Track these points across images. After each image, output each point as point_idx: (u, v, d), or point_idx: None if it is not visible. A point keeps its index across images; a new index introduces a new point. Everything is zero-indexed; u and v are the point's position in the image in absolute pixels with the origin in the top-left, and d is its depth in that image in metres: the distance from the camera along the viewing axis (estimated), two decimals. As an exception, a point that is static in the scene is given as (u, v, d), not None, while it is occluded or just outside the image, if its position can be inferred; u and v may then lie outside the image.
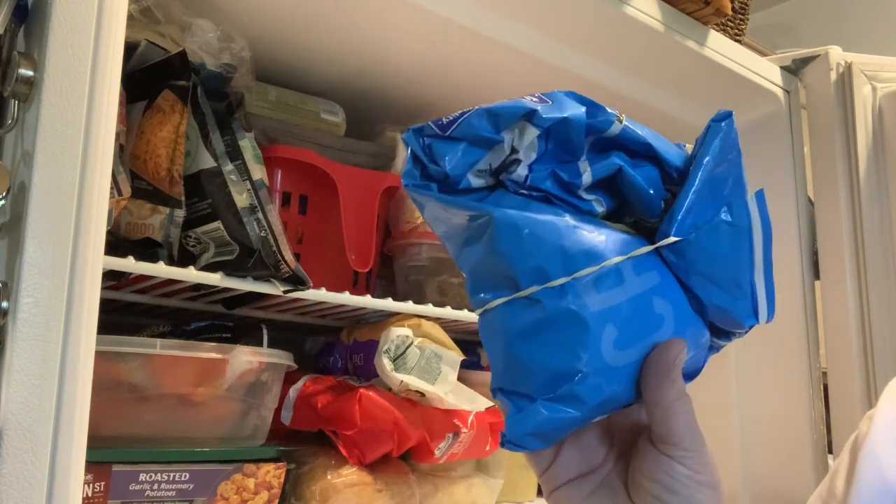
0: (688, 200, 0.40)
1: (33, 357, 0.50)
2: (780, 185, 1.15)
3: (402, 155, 1.01)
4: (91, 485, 0.67)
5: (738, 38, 1.09)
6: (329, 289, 0.85)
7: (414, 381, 0.86)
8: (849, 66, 1.13)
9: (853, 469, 0.57)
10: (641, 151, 0.42)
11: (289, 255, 0.78)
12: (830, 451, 1.10)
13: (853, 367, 1.07)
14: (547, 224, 0.40)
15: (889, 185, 1.11)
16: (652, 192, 0.41)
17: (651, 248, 0.41)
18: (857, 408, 1.05)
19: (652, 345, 0.40)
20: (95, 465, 0.67)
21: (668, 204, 0.42)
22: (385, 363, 0.86)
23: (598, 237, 0.40)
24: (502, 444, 0.40)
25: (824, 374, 1.11)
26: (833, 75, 1.14)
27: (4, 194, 0.53)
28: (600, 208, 0.42)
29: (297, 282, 0.81)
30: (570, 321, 0.39)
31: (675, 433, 0.40)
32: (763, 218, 0.43)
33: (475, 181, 0.41)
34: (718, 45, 1.03)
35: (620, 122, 0.41)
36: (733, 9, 1.05)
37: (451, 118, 0.40)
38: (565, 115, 0.40)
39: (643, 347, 0.40)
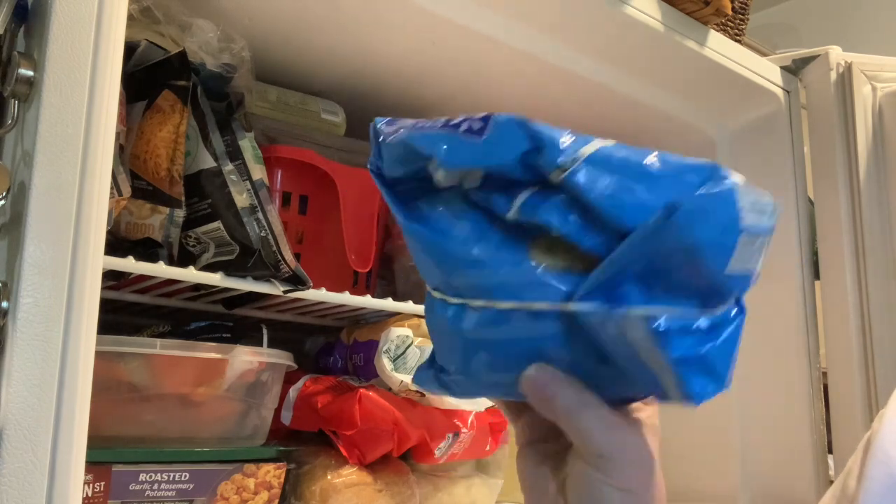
0: (608, 272, 0.35)
1: (33, 357, 0.50)
2: (780, 185, 1.15)
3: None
4: (91, 485, 0.67)
5: (738, 38, 1.09)
6: (329, 289, 0.85)
7: (414, 381, 0.86)
8: (849, 66, 1.13)
9: (864, 466, 0.57)
10: (587, 212, 0.37)
11: (289, 255, 0.78)
12: (830, 451, 1.10)
13: (853, 367, 1.07)
14: (446, 250, 0.39)
15: (889, 185, 1.11)
16: (572, 231, 0.37)
17: (553, 307, 0.36)
18: (857, 408, 1.05)
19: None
20: (95, 465, 0.67)
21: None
22: (385, 363, 0.86)
23: (503, 275, 0.37)
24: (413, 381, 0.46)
25: (824, 374, 1.11)
26: (833, 75, 1.14)
27: (4, 194, 0.53)
28: (557, 232, 0.37)
29: (297, 282, 0.81)
30: (451, 330, 0.40)
31: (583, 443, 0.38)
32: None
33: (442, 182, 0.39)
34: (718, 45, 1.03)
35: (562, 172, 0.36)
36: (733, 9, 1.05)
37: (395, 129, 0.41)
38: (486, 164, 0.37)
39: (518, 375, 0.39)
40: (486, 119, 0.37)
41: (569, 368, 0.38)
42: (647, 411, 0.41)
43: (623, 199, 0.35)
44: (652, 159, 0.37)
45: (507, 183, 0.37)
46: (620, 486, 0.38)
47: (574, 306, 0.36)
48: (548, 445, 0.44)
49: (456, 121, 0.38)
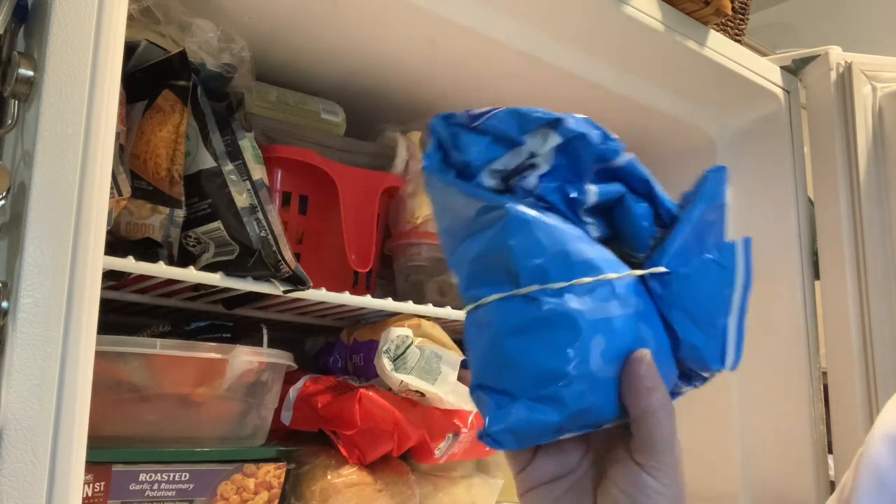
0: (680, 237, 0.42)
1: (33, 357, 0.50)
2: (780, 185, 1.15)
3: (402, 155, 1.01)
4: (91, 485, 0.67)
5: (738, 38, 1.09)
6: (329, 289, 0.85)
7: (414, 381, 0.86)
8: (849, 66, 1.13)
9: (856, 474, 0.57)
10: (640, 188, 0.43)
11: (289, 255, 0.78)
12: (830, 451, 1.10)
13: (853, 367, 1.07)
14: (555, 228, 0.41)
15: (889, 185, 1.11)
16: (646, 225, 0.43)
17: (643, 272, 0.42)
18: (857, 408, 1.05)
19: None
20: (95, 465, 0.67)
21: (657, 242, 0.43)
22: (385, 363, 0.86)
23: (600, 252, 0.41)
24: (480, 438, 0.41)
25: (824, 374, 1.11)
26: (833, 75, 1.14)
27: (4, 194, 0.53)
28: (595, 233, 0.43)
29: (297, 282, 0.81)
30: (564, 323, 0.39)
31: (655, 444, 0.41)
32: (747, 264, 0.44)
33: (487, 180, 0.42)
34: (718, 45, 1.03)
35: (628, 154, 0.43)
36: (733, 9, 1.05)
37: (481, 111, 0.41)
38: (584, 131, 0.41)
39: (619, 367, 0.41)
40: (565, 114, 0.42)
41: (655, 345, 0.41)
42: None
43: (658, 185, 0.43)
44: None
45: (574, 172, 0.42)
46: (667, 489, 0.41)
47: (663, 269, 0.42)
48: (555, 485, 0.45)
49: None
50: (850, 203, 1.10)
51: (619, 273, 0.41)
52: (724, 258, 0.44)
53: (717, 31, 1.04)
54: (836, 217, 1.11)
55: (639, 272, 0.42)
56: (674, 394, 0.45)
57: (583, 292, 0.40)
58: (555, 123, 0.41)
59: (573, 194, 0.42)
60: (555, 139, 0.41)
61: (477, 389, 0.42)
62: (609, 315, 0.40)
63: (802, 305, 1.11)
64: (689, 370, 0.44)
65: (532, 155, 0.41)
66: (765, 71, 1.11)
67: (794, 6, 2.17)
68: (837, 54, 1.15)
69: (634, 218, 0.43)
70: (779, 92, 1.14)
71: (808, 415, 1.09)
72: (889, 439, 0.56)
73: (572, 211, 0.42)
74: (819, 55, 1.16)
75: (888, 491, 0.55)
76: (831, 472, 1.09)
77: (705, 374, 0.45)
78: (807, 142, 1.17)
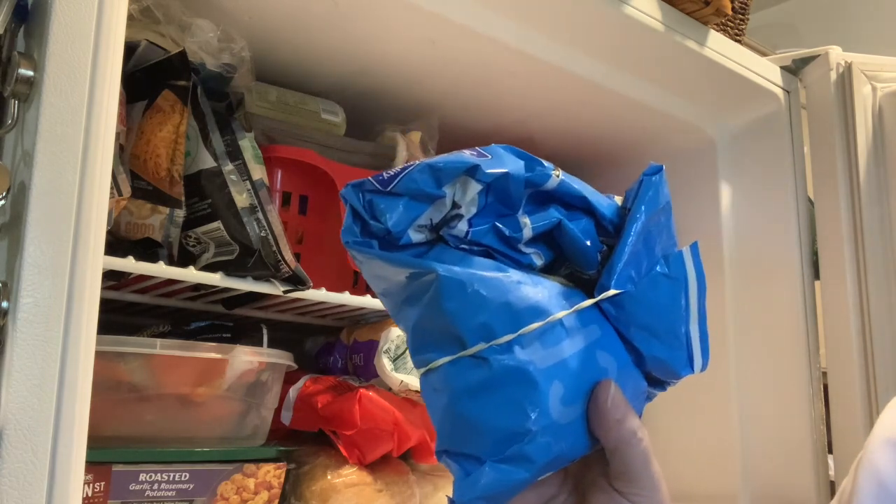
0: (626, 253, 0.41)
1: (33, 357, 0.50)
2: (780, 185, 1.15)
3: (402, 155, 1.01)
4: (91, 485, 0.67)
5: (738, 38, 1.09)
6: (329, 289, 0.85)
7: (414, 381, 0.86)
8: (849, 66, 1.13)
9: (855, 479, 0.57)
10: (577, 204, 0.42)
11: (289, 255, 0.78)
12: (830, 451, 1.10)
13: (853, 367, 1.07)
14: (492, 280, 0.39)
15: (889, 185, 1.11)
16: (589, 244, 0.42)
17: (593, 301, 0.41)
18: (857, 408, 1.05)
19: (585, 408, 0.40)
20: (95, 465, 0.67)
21: (605, 256, 0.42)
22: (385, 363, 0.86)
23: (542, 292, 0.40)
24: None
25: (824, 374, 1.11)
26: (833, 75, 1.14)
27: (4, 194, 0.53)
28: (539, 261, 0.42)
29: (297, 282, 0.81)
30: (517, 379, 0.38)
31: (631, 472, 0.40)
32: (697, 269, 0.44)
33: (415, 236, 0.40)
34: (718, 45, 1.03)
35: (557, 176, 0.41)
36: (733, 9, 1.05)
37: (392, 173, 0.39)
38: (506, 170, 0.40)
39: (587, 401, 0.40)
40: (483, 149, 0.41)
41: (617, 367, 0.41)
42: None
43: (595, 196, 0.43)
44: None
45: (506, 206, 0.41)
46: None
47: (613, 292, 0.41)
48: None
49: (459, 152, 0.40)
50: (850, 203, 1.10)
51: (567, 309, 0.40)
52: (672, 270, 0.43)
53: (717, 31, 1.04)
54: (836, 217, 1.11)
55: (588, 302, 0.41)
56: (648, 398, 0.45)
57: (532, 340, 0.39)
58: (472, 170, 0.39)
59: (507, 231, 0.41)
60: (475, 187, 0.39)
61: (443, 455, 0.40)
62: (563, 357, 0.39)
63: (802, 305, 1.11)
64: (657, 378, 0.44)
65: (455, 205, 0.40)
66: (765, 71, 1.11)
67: (794, 6, 2.17)
68: (837, 54, 1.15)
69: (574, 239, 0.41)
70: (779, 92, 1.14)
71: (808, 415, 1.09)
72: (889, 443, 0.56)
73: (510, 247, 0.41)
74: (819, 55, 1.16)
75: (888, 494, 0.54)
76: (831, 473, 1.09)
77: (673, 381, 0.45)
78: (807, 142, 1.17)
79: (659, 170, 0.44)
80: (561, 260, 0.43)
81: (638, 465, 0.40)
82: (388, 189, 0.39)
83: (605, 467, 0.42)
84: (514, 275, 0.40)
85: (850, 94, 1.12)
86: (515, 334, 0.38)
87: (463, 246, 0.41)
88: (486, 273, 0.40)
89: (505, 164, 0.40)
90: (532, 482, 0.39)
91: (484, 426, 0.38)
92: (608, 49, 0.98)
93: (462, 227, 0.40)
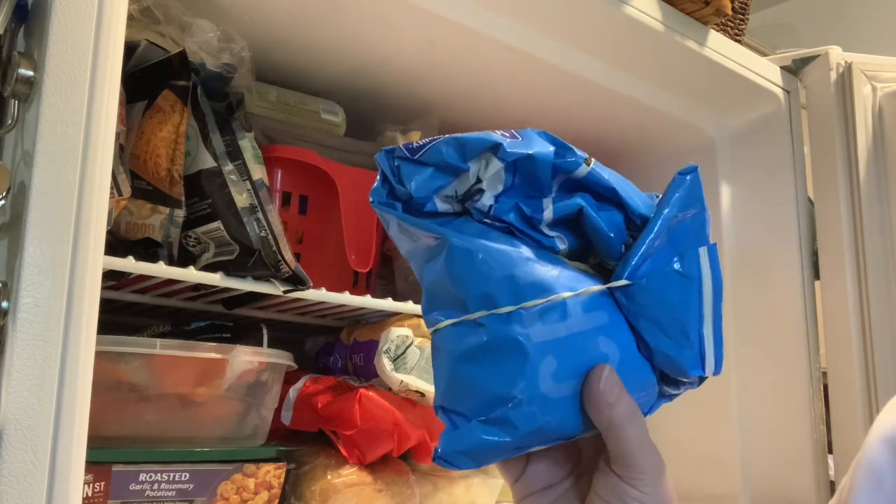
0: (643, 247, 0.42)
1: (33, 357, 0.50)
2: (780, 185, 1.15)
3: (402, 155, 1.01)
4: (91, 485, 0.67)
5: (738, 38, 1.09)
6: (329, 289, 0.85)
7: (414, 381, 0.86)
8: (849, 66, 1.13)
9: (853, 474, 0.58)
10: (607, 195, 0.43)
11: (289, 255, 0.78)
12: (830, 451, 1.10)
13: (853, 367, 1.07)
14: (500, 252, 0.41)
15: (889, 185, 1.11)
16: (612, 235, 0.43)
17: (601, 287, 0.42)
18: (857, 408, 1.05)
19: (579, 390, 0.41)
20: (95, 465, 0.67)
21: (629, 248, 0.43)
22: (385, 363, 0.86)
23: (551, 271, 0.42)
24: (434, 459, 0.41)
25: (824, 374, 1.11)
26: (833, 75, 1.14)
27: (4, 194, 0.53)
28: (562, 245, 0.43)
29: (297, 282, 0.81)
30: (511, 348, 0.40)
31: (626, 455, 0.41)
32: (714, 271, 0.44)
33: (442, 206, 0.43)
34: (718, 45, 1.03)
35: (588, 165, 0.43)
36: (733, 9, 1.05)
37: (422, 143, 0.42)
38: (530, 152, 0.41)
39: (581, 382, 0.41)
40: (516, 132, 0.43)
41: (620, 355, 0.42)
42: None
43: (629, 189, 0.44)
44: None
45: (533, 188, 0.42)
46: (647, 497, 0.41)
47: (622, 282, 0.42)
48: (547, 492, 0.46)
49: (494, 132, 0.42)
50: (850, 203, 1.10)
51: (573, 291, 0.41)
52: (686, 268, 0.43)
53: (717, 31, 1.04)
54: (836, 217, 1.11)
55: (597, 287, 0.42)
56: (664, 396, 0.45)
57: (532, 315, 0.40)
58: (495, 148, 0.41)
59: (528, 212, 0.42)
60: (496, 164, 0.41)
61: (438, 410, 0.43)
62: (560, 335, 0.40)
63: (802, 305, 1.11)
64: (670, 377, 0.45)
65: (479, 180, 0.42)
66: (765, 71, 1.11)
67: (794, 6, 2.17)
68: (837, 54, 1.15)
69: (597, 228, 0.43)
70: (779, 92, 1.14)
71: (808, 415, 1.09)
72: (887, 441, 0.56)
73: (531, 227, 0.43)
74: (819, 55, 1.16)
75: (885, 491, 0.55)
76: (831, 472, 1.09)
77: (688, 380, 0.45)
78: (807, 142, 1.17)
79: (693, 170, 0.45)
80: (589, 248, 0.44)
81: (632, 449, 0.41)
82: (416, 157, 0.41)
83: (608, 451, 0.43)
84: (526, 251, 0.42)
85: (850, 94, 1.12)
86: (516, 307, 0.40)
87: (486, 220, 0.43)
88: (497, 245, 0.42)
89: (532, 146, 0.41)
90: (517, 450, 0.41)
91: (475, 388, 0.41)
92: (608, 49, 0.98)
93: (486, 201, 0.42)
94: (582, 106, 1.10)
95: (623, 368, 0.41)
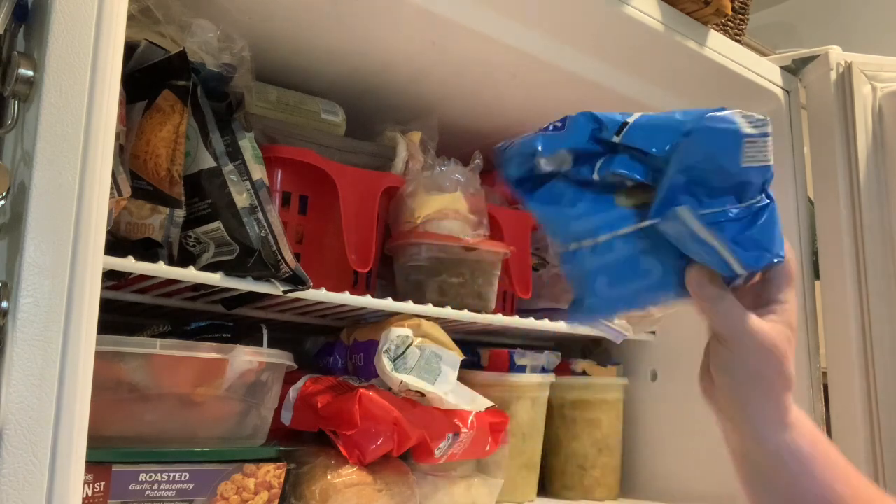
0: (665, 188, 0.53)
1: (33, 357, 0.50)
2: (780, 185, 1.14)
3: (402, 155, 1.01)
4: (91, 485, 0.67)
5: (738, 38, 1.09)
6: (329, 289, 0.85)
7: (414, 381, 0.86)
8: (849, 66, 1.13)
9: None
10: (640, 149, 0.55)
11: (289, 255, 0.78)
12: (830, 451, 1.10)
13: (853, 367, 1.07)
14: (561, 213, 0.57)
15: (889, 185, 1.11)
16: (649, 182, 0.54)
17: (632, 228, 0.55)
18: (857, 408, 1.05)
19: (640, 287, 0.56)
20: (95, 465, 0.67)
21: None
22: (385, 363, 0.86)
23: (598, 219, 0.56)
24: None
25: (824, 374, 1.11)
26: (833, 75, 1.14)
27: (4, 194, 0.53)
28: (625, 185, 0.55)
29: (297, 282, 0.81)
30: (578, 271, 0.57)
31: (715, 328, 0.54)
32: (702, 221, 0.54)
33: (545, 167, 0.57)
34: (718, 45, 1.03)
35: (625, 126, 0.55)
36: (733, 9, 1.05)
37: (504, 145, 0.59)
38: (563, 148, 0.56)
39: (633, 286, 0.56)
40: (563, 119, 0.57)
41: (662, 268, 0.55)
42: (780, 312, 0.55)
43: (656, 138, 0.54)
44: (677, 112, 0.56)
45: (587, 158, 0.56)
46: (741, 362, 0.53)
47: (650, 222, 0.54)
48: None
49: (544, 127, 0.58)
50: (850, 203, 1.10)
51: (612, 232, 0.56)
52: (666, 217, 0.54)
53: (717, 31, 1.04)
54: (836, 217, 1.11)
55: (629, 228, 0.55)
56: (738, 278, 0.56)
57: (585, 251, 0.56)
58: (534, 154, 0.57)
59: (587, 174, 0.56)
60: (543, 159, 0.57)
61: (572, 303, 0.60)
62: (607, 262, 0.56)
63: (802, 305, 1.11)
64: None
65: (562, 163, 0.57)
66: (765, 71, 1.11)
67: (794, 6, 2.17)
68: (837, 54, 1.15)
69: (632, 179, 0.55)
70: (779, 92, 1.14)
71: (807, 415, 1.08)
72: None
73: (590, 184, 0.56)
74: (819, 55, 1.16)
75: None
76: (831, 472, 1.08)
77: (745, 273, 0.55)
78: (807, 142, 1.17)
79: (716, 117, 0.56)
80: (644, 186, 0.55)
81: (718, 325, 0.53)
82: (506, 154, 0.58)
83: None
84: (581, 207, 0.56)
85: (850, 94, 1.12)
86: (578, 245, 0.57)
87: (568, 179, 0.57)
88: (562, 208, 0.57)
89: (566, 141, 0.56)
90: (608, 317, 0.66)
91: (573, 288, 0.59)
92: (608, 49, 0.98)
93: (565, 167, 0.57)
94: (582, 106, 1.09)
95: (664, 278, 0.55)
